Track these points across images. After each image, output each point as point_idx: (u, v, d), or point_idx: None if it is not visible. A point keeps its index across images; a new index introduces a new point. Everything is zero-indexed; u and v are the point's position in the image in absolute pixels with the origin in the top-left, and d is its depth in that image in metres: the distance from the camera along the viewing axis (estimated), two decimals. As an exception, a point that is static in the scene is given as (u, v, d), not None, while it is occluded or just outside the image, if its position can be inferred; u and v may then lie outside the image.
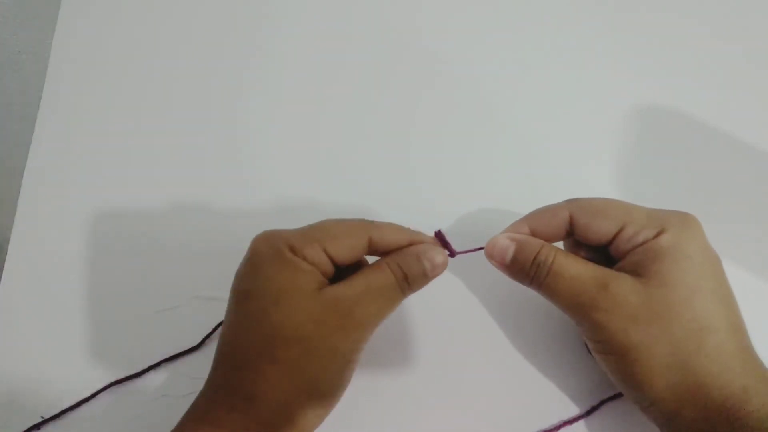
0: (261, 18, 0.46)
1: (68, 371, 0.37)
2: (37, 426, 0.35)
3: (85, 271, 0.39)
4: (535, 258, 0.31)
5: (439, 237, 0.33)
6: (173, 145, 0.42)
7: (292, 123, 0.43)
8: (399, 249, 0.32)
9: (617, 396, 0.35)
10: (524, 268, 0.31)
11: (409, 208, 0.39)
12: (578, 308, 0.30)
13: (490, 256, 0.33)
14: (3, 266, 0.39)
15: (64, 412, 0.36)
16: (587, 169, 0.41)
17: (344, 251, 0.31)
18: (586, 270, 0.30)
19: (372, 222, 0.32)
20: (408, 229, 0.32)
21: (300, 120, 0.43)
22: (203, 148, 0.42)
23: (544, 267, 0.30)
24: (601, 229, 0.31)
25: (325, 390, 0.30)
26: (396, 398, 0.36)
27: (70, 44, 0.45)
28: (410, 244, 0.32)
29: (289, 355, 0.29)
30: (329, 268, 0.31)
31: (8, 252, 0.40)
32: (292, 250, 0.30)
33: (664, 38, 0.45)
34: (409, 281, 0.31)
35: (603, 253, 0.32)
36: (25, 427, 0.35)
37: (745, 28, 0.45)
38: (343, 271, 0.32)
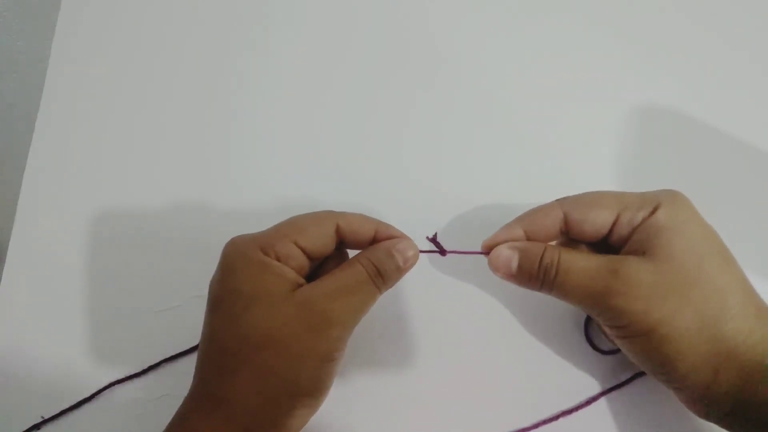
0: (260, 17, 0.46)
1: (68, 371, 0.37)
2: (37, 426, 0.35)
3: (85, 271, 0.39)
4: (540, 261, 0.30)
5: (432, 240, 0.33)
6: (173, 145, 0.42)
7: (292, 123, 0.43)
8: (369, 244, 0.32)
9: (615, 388, 0.36)
10: (532, 274, 0.31)
11: (408, 207, 0.39)
12: (594, 299, 0.29)
13: (496, 269, 0.32)
14: (3, 266, 0.39)
15: (64, 412, 0.36)
16: (586, 169, 0.41)
17: (315, 241, 0.31)
18: (593, 260, 0.30)
19: (339, 212, 0.32)
20: (375, 219, 0.32)
21: (299, 120, 0.43)
22: (203, 147, 0.42)
23: (552, 268, 0.30)
24: (597, 220, 0.31)
25: (305, 390, 0.29)
26: (394, 391, 0.36)
27: (70, 44, 0.45)
28: (376, 233, 0.32)
29: (262, 358, 0.28)
30: (303, 262, 0.31)
31: (8, 252, 0.40)
32: (263, 250, 0.30)
33: (665, 38, 0.45)
34: (383, 276, 0.30)
35: (598, 250, 0.32)
36: (25, 427, 0.35)
37: (745, 28, 0.45)
38: (321, 270, 0.32)
